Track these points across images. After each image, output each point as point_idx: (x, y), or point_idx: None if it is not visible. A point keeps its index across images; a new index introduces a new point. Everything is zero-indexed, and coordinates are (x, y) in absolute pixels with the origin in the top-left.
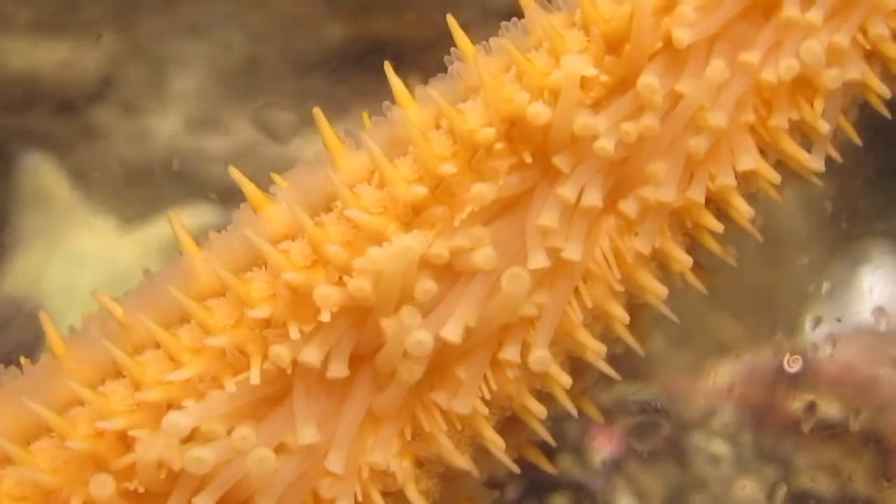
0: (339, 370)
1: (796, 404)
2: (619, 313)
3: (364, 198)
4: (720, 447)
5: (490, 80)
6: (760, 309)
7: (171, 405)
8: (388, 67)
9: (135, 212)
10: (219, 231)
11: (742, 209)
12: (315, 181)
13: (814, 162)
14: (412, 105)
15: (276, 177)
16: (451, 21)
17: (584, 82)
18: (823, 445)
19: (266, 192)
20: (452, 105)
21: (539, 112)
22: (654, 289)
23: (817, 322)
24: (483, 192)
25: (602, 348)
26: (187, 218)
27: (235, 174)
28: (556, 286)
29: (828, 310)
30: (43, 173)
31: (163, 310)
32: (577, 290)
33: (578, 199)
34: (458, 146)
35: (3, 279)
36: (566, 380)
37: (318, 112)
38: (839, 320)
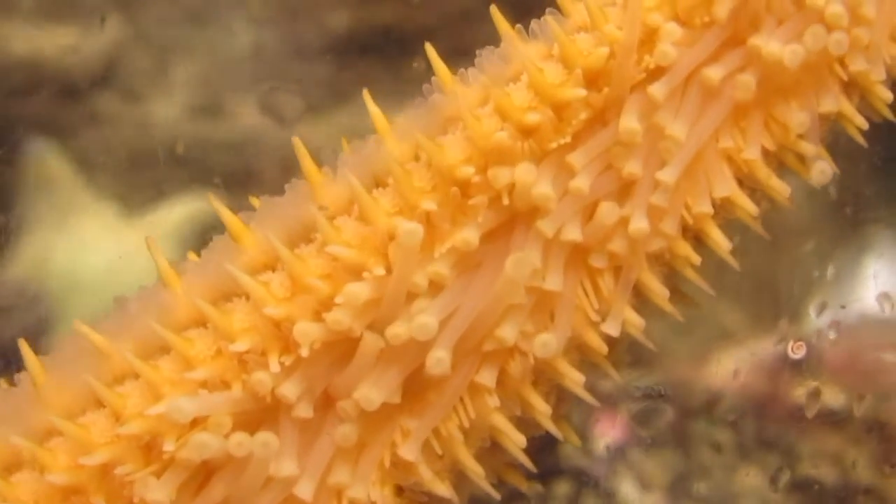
0: (304, 410)
1: (800, 391)
2: (597, 343)
3: (345, 231)
4: (723, 434)
5: (468, 115)
6: (764, 295)
7: (152, 438)
8: (366, 95)
9: (139, 197)
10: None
11: (719, 240)
12: (294, 211)
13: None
14: (391, 136)
15: (255, 201)
16: (430, 50)
17: (564, 110)
18: (827, 433)
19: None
20: (431, 136)
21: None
22: (631, 320)
23: (822, 308)
24: (468, 238)
25: (580, 377)
26: (191, 204)
27: (215, 203)
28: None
29: (832, 296)
30: (47, 158)
31: (143, 339)
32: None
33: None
34: (437, 179)
35: (8, 264)
36: (545, 407)
37: (297, 141)
38: (843, 307)
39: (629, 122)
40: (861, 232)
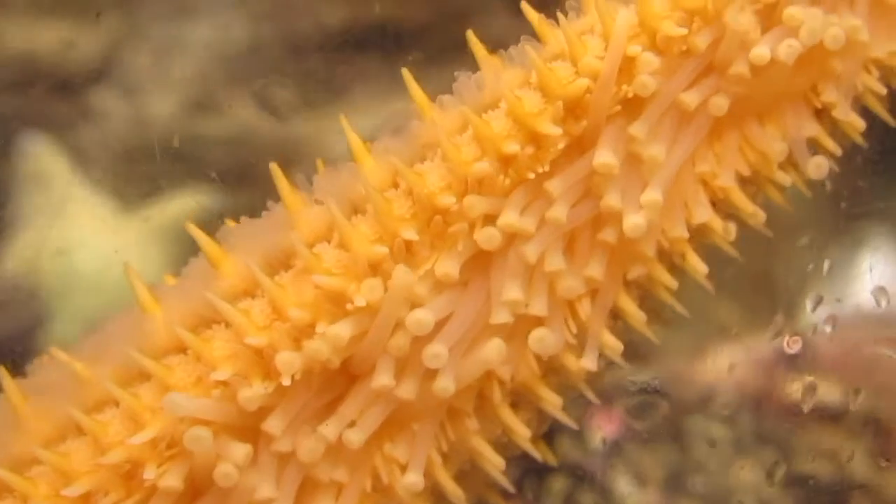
0: (285, 445)
1: (795, 386)
2: (575, 366)
3: (325, 258)
4: (719, 429)
5: (447, 143)
6: (759, 290)
7: (134, 466)
8: (343, 120)
9: (134, 192)
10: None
11: (695, 265)
12: (273, 237)
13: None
14: (370, 162)
15: (231, 224)
16: (406, 74)
17: (543, 139)
18: (822, 427)
19: (229, 236)
20: (410, 163)
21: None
22: (610, 344)
23: (817, 302)
24: (448, 272)
25: (558, 400)
26: (188, 198)
27: (193, 231)
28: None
29: (828, 290)
30: (42, 153)
31: (123, 365)
32: None
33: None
34: (417, 207)
35: (3, 259)
36: (524, 430)
37: (274, 167)
38: (839, 301)
39: (605, 156)
40: (856, 226)
